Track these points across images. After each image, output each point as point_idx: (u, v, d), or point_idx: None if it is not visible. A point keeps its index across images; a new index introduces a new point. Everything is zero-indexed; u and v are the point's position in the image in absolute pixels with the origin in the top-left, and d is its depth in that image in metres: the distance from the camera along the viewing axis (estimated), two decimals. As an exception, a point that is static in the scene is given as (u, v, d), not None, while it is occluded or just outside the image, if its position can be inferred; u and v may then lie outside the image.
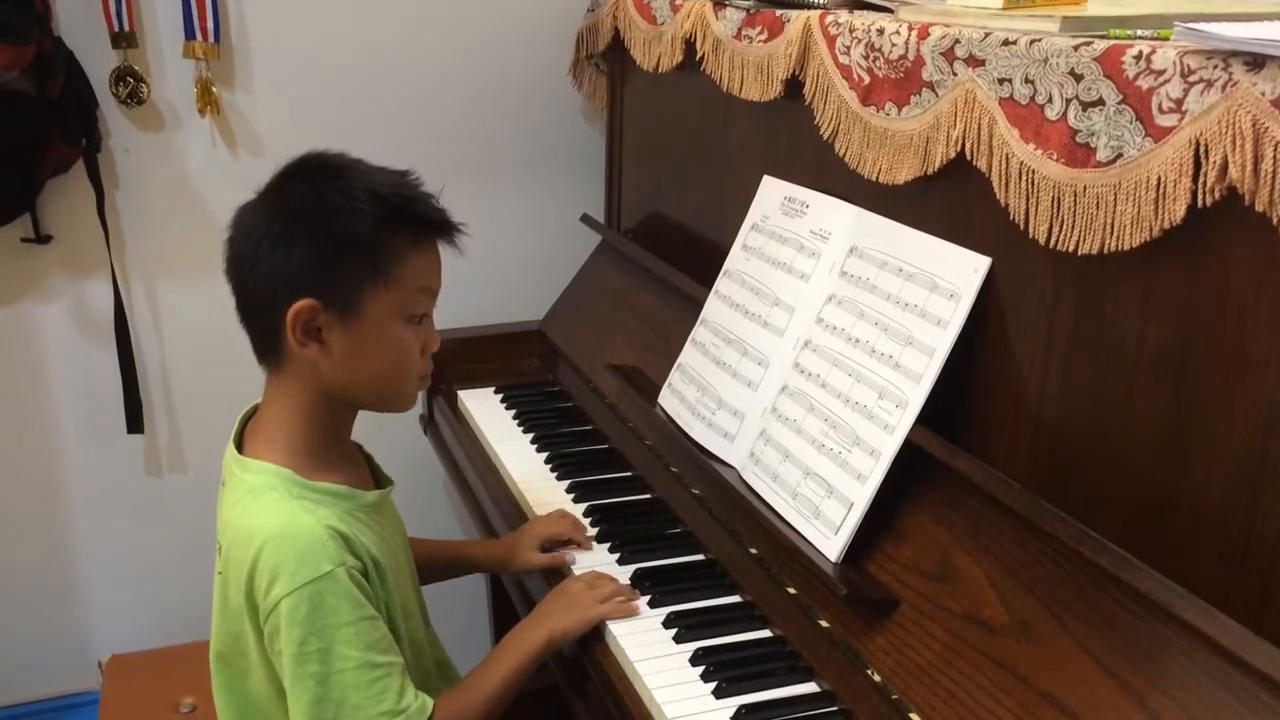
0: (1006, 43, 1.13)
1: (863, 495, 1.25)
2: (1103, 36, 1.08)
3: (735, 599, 1.40)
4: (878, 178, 1.33)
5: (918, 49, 1.25)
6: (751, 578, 1.41)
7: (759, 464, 1.42)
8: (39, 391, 2.09)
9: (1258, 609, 0.95)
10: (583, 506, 1.61)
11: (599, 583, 1.38)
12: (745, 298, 1.56)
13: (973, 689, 1.09)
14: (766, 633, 1.34)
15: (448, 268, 1.27)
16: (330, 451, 1.26)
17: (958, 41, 1.19)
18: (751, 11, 1.59)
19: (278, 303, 1.18)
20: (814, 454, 1.33)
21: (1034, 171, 1.10)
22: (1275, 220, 0.88)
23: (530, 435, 1.86)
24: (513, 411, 1.95)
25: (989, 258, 1.20)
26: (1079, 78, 1.04)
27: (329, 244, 1.17)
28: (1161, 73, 0.96)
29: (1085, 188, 1.04)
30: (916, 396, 1.23)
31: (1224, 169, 0.91)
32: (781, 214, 1.54)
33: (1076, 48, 1.05)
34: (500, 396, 2.02)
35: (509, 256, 2.26)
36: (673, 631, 1.33)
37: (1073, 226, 1.06)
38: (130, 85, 1.98)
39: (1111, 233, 1.02)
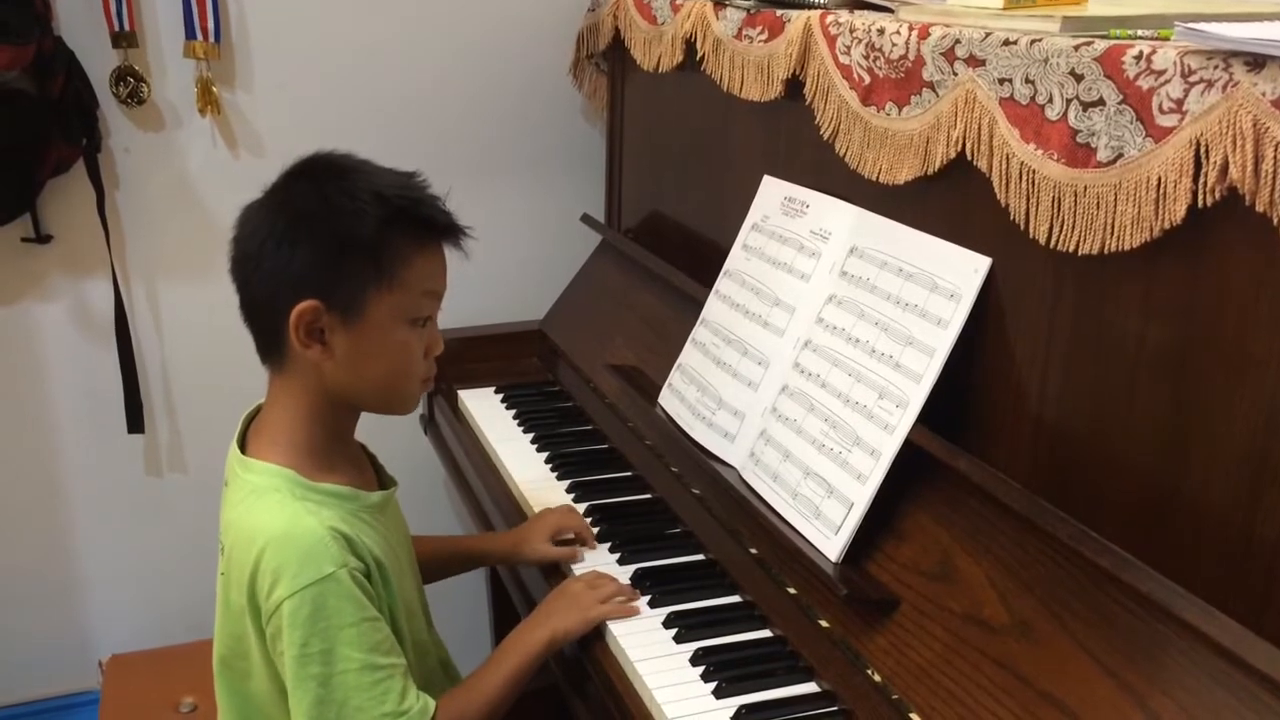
0: (1007, 43, 1.13)
1: (863, 495, 1.25)
2: (1103, 36, 1.08)
3: (735, 599, 1.40)
4: (878, 178, 1.34)
5: (918, 49, 1.25)
6: (751, 578, 1.41)
7: (759, 464, 1.42)
8: (39, 391, 2.09)
9: (1258, 609, 0.95)
10: (583, 506, 1.61)
11: (600, 583, 1.38)
12: (745, 298, 1.56)
13: (973, 689, 1.09)
14: (767, 633, 1.34)
15: (448, 267, 1.26)
16: (333, 452, 1.26)
17: (958, 41, 1.19)
18: (752, 11, 1.59)
19: (281, 303, 1.17)
20: (814, 454, 1.33)
21: (1034, 171, 1.10)
22: (1276, 220, 0.88)
23: (530, 435, 1.86)
24: (513, 411, 1.95)
25: (989, 258, 1.20)
26: (1079, 78, 1.04)
27: (333, 245, 1.17)
28: (1162, 73, 0.96)
29: (1085, 188, 1.04)
30: (917, 396, 1.23)
31: (1224, 169, 0.91)
32: (782, 214, 1.54)
33: (1077, 48, 1.05)
34: (500, 396, 2.02)
35: (509, 256, 2.26)
36: (673, 631, 1.33)
37: (1073, 227, 1.06)
38: (130, 85, 1.98)
39: (1112, 233, 1.02)
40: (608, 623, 1.34)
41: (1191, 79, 0.94)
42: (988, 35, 1.16)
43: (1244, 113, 0.89)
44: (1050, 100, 1.08)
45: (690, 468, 1.59)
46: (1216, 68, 0.91)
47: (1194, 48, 0.94)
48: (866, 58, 1.34)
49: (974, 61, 1.18)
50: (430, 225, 1.22)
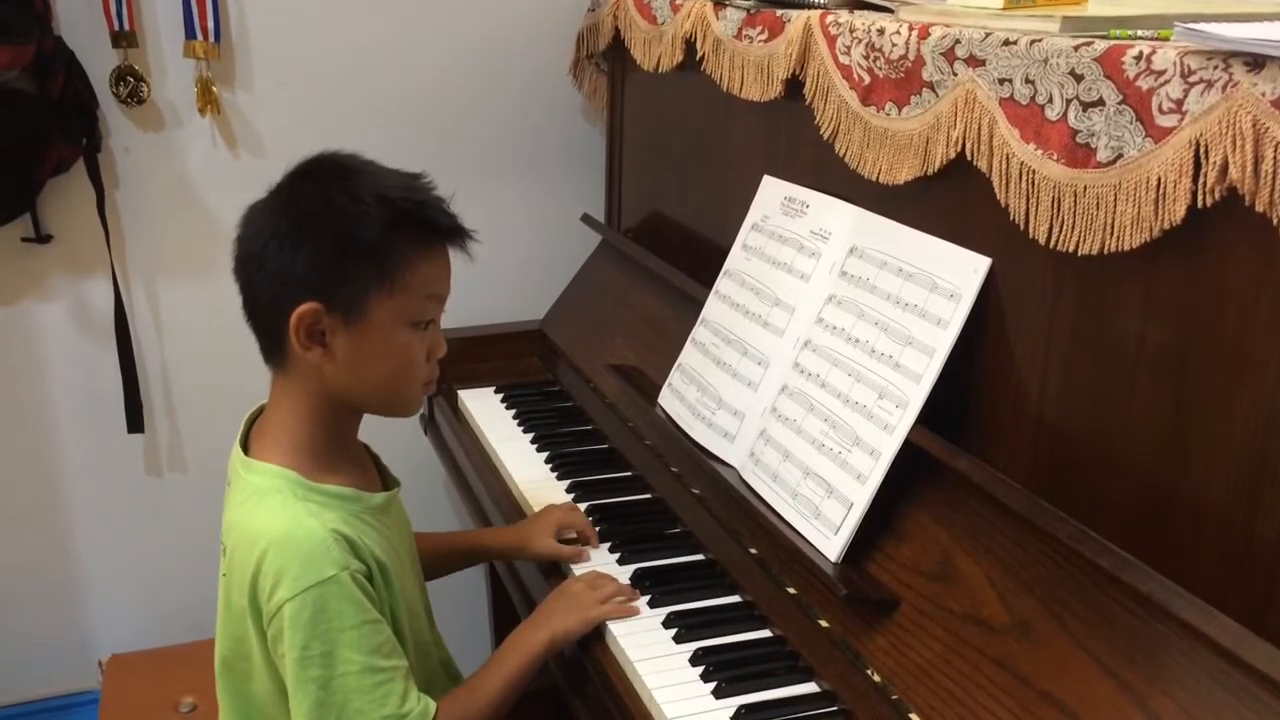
0: (1007, 43, 1.13)
1: (862, 495, 1.25)
2: (1103, 37, 1.08)
3: (735, 599, 1.40)
4: (878, 178, 1.34)
5: (918, 49, 1.25)
6: (751, 578, 1.41)
7: (759, 464, 1.42)
8: (39, 391, 2.09)
9: (1258, 609, 0.95)
10: (583, 506, 1.61)
11: (600, 583, 1.38)
12: (745, 298, 1.56)
13: (973, 689, 1.09)
14: (766, 633, 1.34)
15: (451, 269, 1.26)
16: (336, 453, 1.25)
17: (958, 42, 1.19)
18: (752, 11, 1.59)
19: (282, 304, 1.17)
20: (814, 454, 1.33)
21: (1034, 172, 1.10)
22: (1275, 221, 0.88)
23: (530, 435, 1.86)
24: (513, 411, 1.95)
25: (989, 258, 1.20)
26: (1079, 78, 1.04)
27: (335, 247, 1.16)
28: (1162, 73, 0.96)
29: (1085, 188, 1.04)
30: (916, 396, 1.23)
31: (1224, 169, 0.91)
32: (781, 214, 1.54)
33: (1077, 48, 1.05)
34: (500, 396, 2.02)
35: (509, 256, 2.26)
36: (673, 631, 1.33)
37: (1073, 227, 1.06)
38: (130, 85, 1.98)
39: (1111, 233, 1.02)
40: (607, 623, 1.34)
41: (1191, 79, 0.94)
42: (988, 35, 1.16)
43: (1244, 113, 0.89)
44: (1050, 100, 1.08)
45: (690, 468, 1.59)
46: (1216, 68, 0.91)
47: (1194, 48, 0.94)
48: (866, 58, 1.34)
49: (974, 61, 1.18)
50: (434, 228, 1.21)
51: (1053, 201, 1.08)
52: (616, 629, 1.33)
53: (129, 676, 1.96)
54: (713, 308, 1.63)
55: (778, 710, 1.20)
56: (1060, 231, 1.08)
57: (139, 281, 2.10)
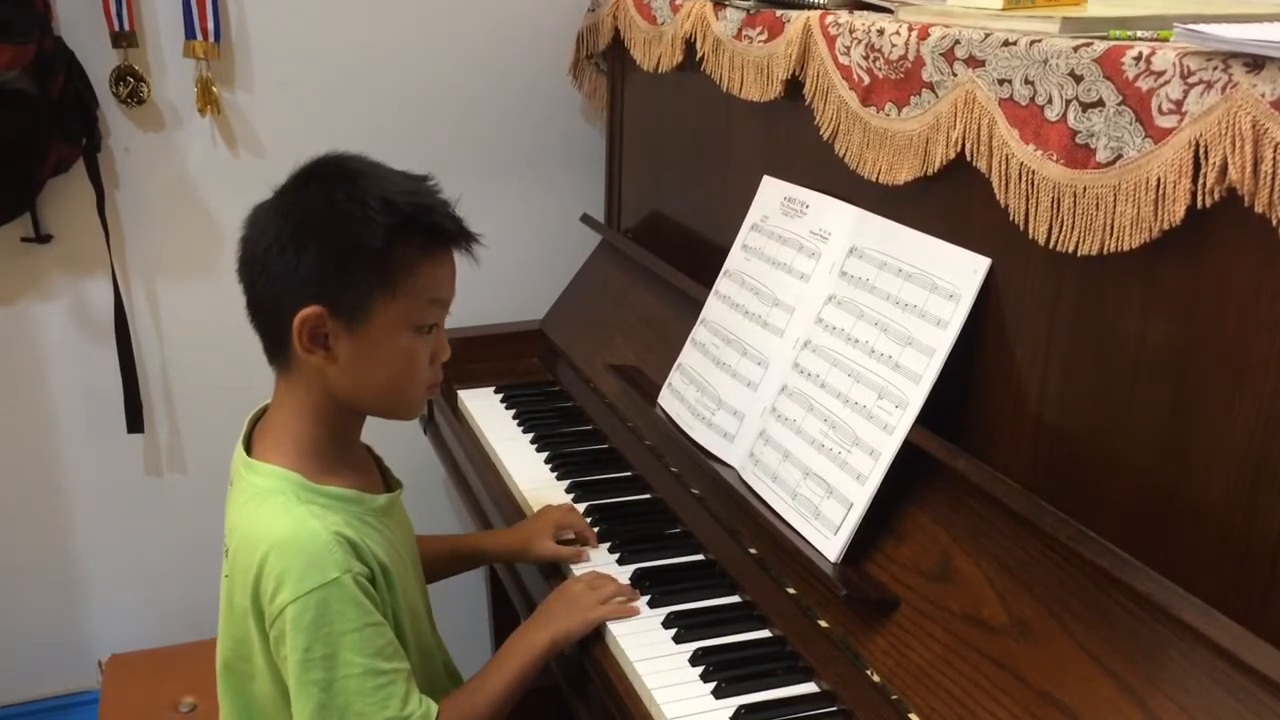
0: (1006, 43, 1.13)
1: (862, 495, 1.25)
2: (1103, 37, 1.08)
3: (735, 599, 1.40)
4: (878, 178, 1.34)
5: (918, 49, 1.25)
6: (751, 578, 1.41)
7: (759, 464, 1.42)
8: (39, 391, 2.09)
9: (1258, 610, 0.95)
10: (583, 506, 1.61)
11: (600, 583, 1.38)
12: (745, 298, 1.56)
13: (972, 689, 1.09)
14: (766, 633, 1.34)
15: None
16: (338, 455, 1.25)
17: (958, 42, 1.19)
18: (751, 12, 1.59)
19: (285, 307, 1.17)
20: (813, 454, 1.34)
21: (1034, 172, 1.10)
22: (1275, 221, 0.88)
23: (530, 435, 1.86)
24: (513, 411, 1.95)
25: (989, 258, 1.20)
26: (1079, 79, 1.04)
27: (339, 252, 1.16)
28: (1161, 74, 0.96)
29: (1085, 188, 1.04)
30: (916, 397, 1.23)
31: (1223, 170, 0.91)
32: (781, 214, 1.55)
33: (1076, 49, 1.05)
34: (500, 396, 2.02)
35: (509, 256, 2.25)
36: (672, 631, 1.33)
37: (1072, 227, 1.06)
38: (130, 85, 1.98)
39: (1111, 233, 1.02)
40: (607, 623, 1.34)
41: (1191, 80, 0.94)
42: (987, 36, 1.16)
43: (1243, 114, 0.89)
44: (1050, 101, 1.08)
45: (690, 468, 1.59)
46: (1216, 69, 0.92)
47: (1193, 49, 0.94)
48: (866, 58, 1.34)
49: (973, 62, 1.18)
50: (439, 233, 1.21)
51: (1052, 202, 1.08)
52: (616, 629, 1.33)
53: (129, 676, 1.96)
54: (712, 308, 1.63)
55: (777, 710, 1.20)
56: (1060, 232, 1.08)
57: (139, 281, 2.10)
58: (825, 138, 1.43)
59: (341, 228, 1.16)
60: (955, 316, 1.21)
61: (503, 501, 1.69)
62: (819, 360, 1.38)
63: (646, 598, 1.39)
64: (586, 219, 2.22)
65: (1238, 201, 0.91)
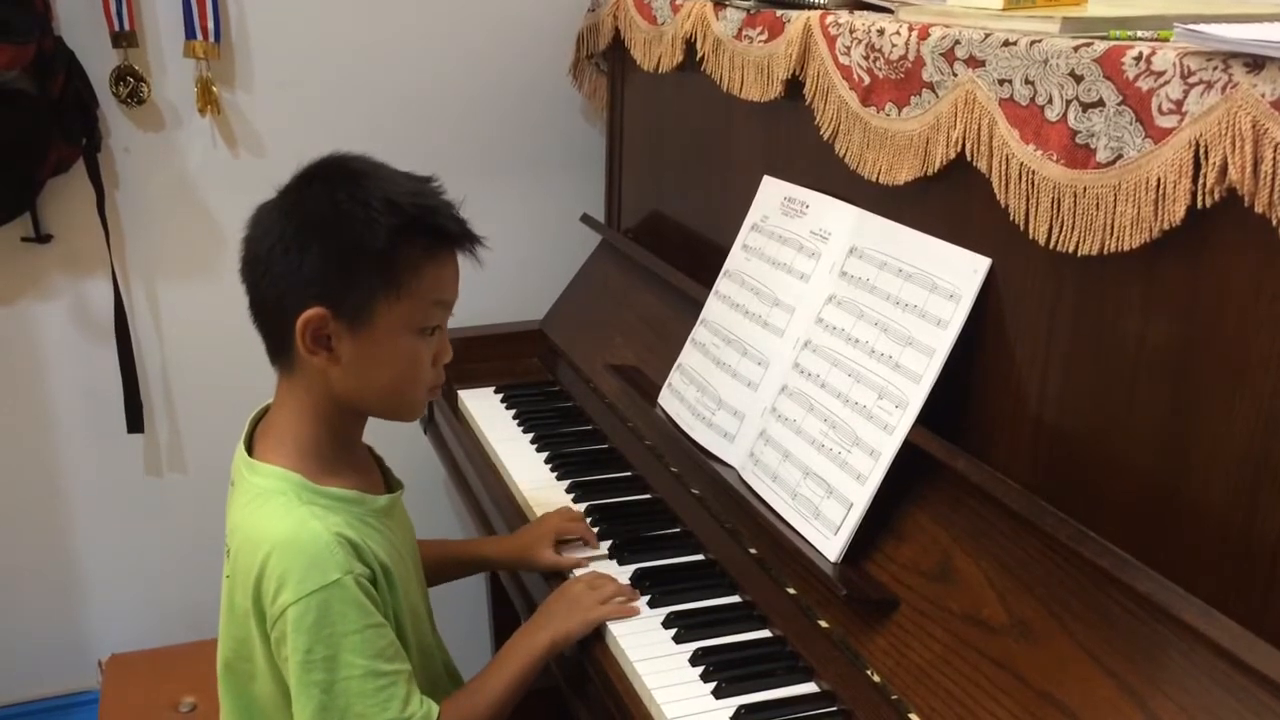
0: (1007, 44, 1.13)
1: (862, 495, 1.25)
2: (1103, 37, 1.08)
3: (735, 599, 1.40)
4: (878, 178, 1.34)
5: (918, 50, 1.25)
6: (751, 578, 1.41)
7: (759, 464, 1.42)
8: (39, 391, 2.09)
9: (1258, 610, 0.95)
10: (583, 506, 1.61)
11: (600, 583, 1.38)
12: (745, 298, 1.56)
13: (972, 689, 1.09)
14: (766, 633, 1.34)
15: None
16: (340, 456, 1.25)
17: (958, 42, 1.19)
18: (752, 12, 1.59)
19: (288, 308, 1.16)
20: (814, 454, 1.34)
21: (1034, 172, 1.10)
22: (1275, 221, 0.88)
23: (530, 435, 1.86)
24: (513, 411, 1.95)
25: (989, 258, 1.20)
26: (1079, 79, 1.04)
27: (343, 253, 1.15)
28: (1161, 74, 0.96)
29: (1085, 188, 1.04)
30: (916, 397, 1.23)
31: (1224, 170, 0.91)
32: (781, 214, 1.55)
33: (1076, 49, 1.05)
34: (500, 396, 2.02)
35: (509, 256, 2.24)
36: (672, 631, 1.33)
37: (1072, 227, 1.06)
38: (130, 85, 1.98)
39: (1111, 233, 1.02)
40: (607, 623, 1.34)
41: (1191, 80, 0.94)
42: (987, 36, 1.16)
43: (1243, 114, 0.89)
44: (1050, 101, 1.08)
45: (690, 468, 1.59)
46: (1216, 69, 0.92)
47: (1193, 49, 0.94)
48: (866, 58, 1.34)
49: (974, 62, 1.18)
50: (443, 235, 1.21)
51: (1052, 202, 1.08)
52: (616, 629, 1.33)
53: (129, 676, 1.96)
54: (712, 308, 1.63)
55: (777, 710, 1.20)
56: (1060, 232, 1.08)
57: (139, 281, 2.10)
58: (825, 138, 1.43)
59: (345, 229, 1.16)
60: (955, 316, 1.21)
61: (503, 502, 1.69)
62: (819, 360, 1.38)
63: (646, 598, 1.39)
64: (586, 219, 2.22)
65: (1238, 201, 0.91)
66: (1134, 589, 0.99)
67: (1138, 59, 0.99)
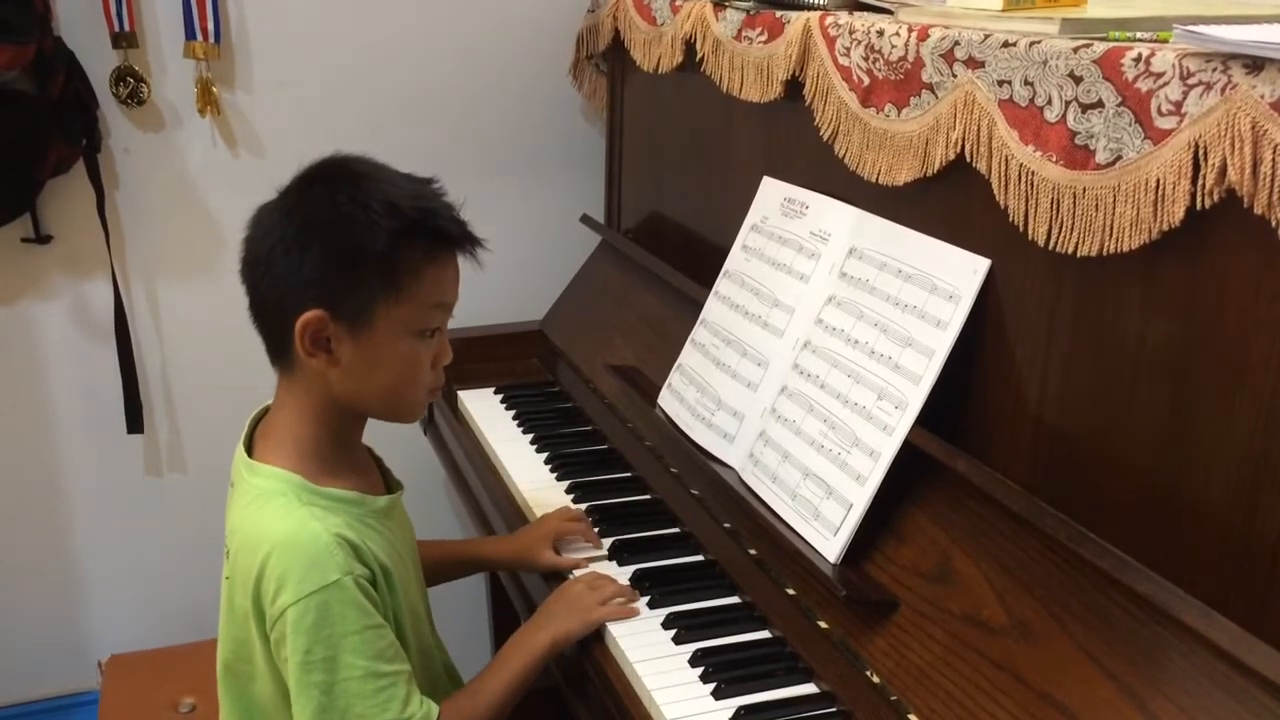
0: (1006, 45, 1.13)
1: (862, 496, 1.25)
2: (1102, 39, 1.08)
3: (734, 600, 1.40)
4: (877, 179, 1.34)
5: (917, 50, 1.25)
6: (751, 578, 1.41)
7: (758, 465, 1.42)
8: (39, 391, 2.09)
9: (1258, 611, 0.95)
10: (583, 507, 1.61)
11: (600, 584, 1.38)
12: (745, 298, 1.56)
13: (972, 690, 1.09)
14: (766, 634, 1.34)
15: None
16: (339, 457, 1.25)
17: (957, 43, 1.20)
18: (751, 12, 1.59)
19: (288, 310, 1.16)
20: (813, 455, 1.34)
21: (1033, 173, 1.10)
22: (1274, 222, 0.88)
23: (530, 436, 1.86)
24: (513, 412, 1.95)
25: (988, 259, 1.20)
26: (1078, 80, 1.04)
27: (342, 256, 1.15)
28: (1161, 75, 0.96)
29: (1084, 189, 1.04)
30: (916, 398, 1.23)
31: (1223, 171, 0.91)
32: (781, 215, 1.55)
33: (1076, 50, 1.05)
34: (500, 397, 2.02)
35: (509, 256, 2.24)
36: (672, 632, 1.33)
37: (1072, 228, 1.06)
38: (130, 85, 1.98)
39: (1111, 234, 1.02)
40: (607, 624, 1.34)
41: (1190, 81, 0.94)
42: (987, 37, 1.16)
43: (1242, 115, 0.89)
44: (1049, 102, 1.08)
45: (690, 469, 1.59)
46: (1215, 70, 0.92)
47: (1193, 50, 0.94)
48: (866, 59, 1.34)
49: (973, 63, 1.18)
50: (443, 237, 1.20)
51: (1052, 203, 1.08)
52: (616, 630, 1.33)
53: (128, 677, 1.96)
54: (712, 308, 1.63)
55: (777, 711, 1.20)
56: (1059, 233, 1.08)
57: (139, 281, 2.10)
58: (825, 138, 1.43)
59: (345, 231, 1.15)
60: (955, 317, 1.21)
61: (503, 502, 1.69)
62: (819, 361, 1.38)
63: (646, 598, 1.39)
64: (586, 219, 2.22)
65: (1237, 203, 0.91)
66: (1134, 590, 0.99)
67: (1137, 60, 0.99)
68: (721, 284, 1.63)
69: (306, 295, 1.16)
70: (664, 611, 1.37)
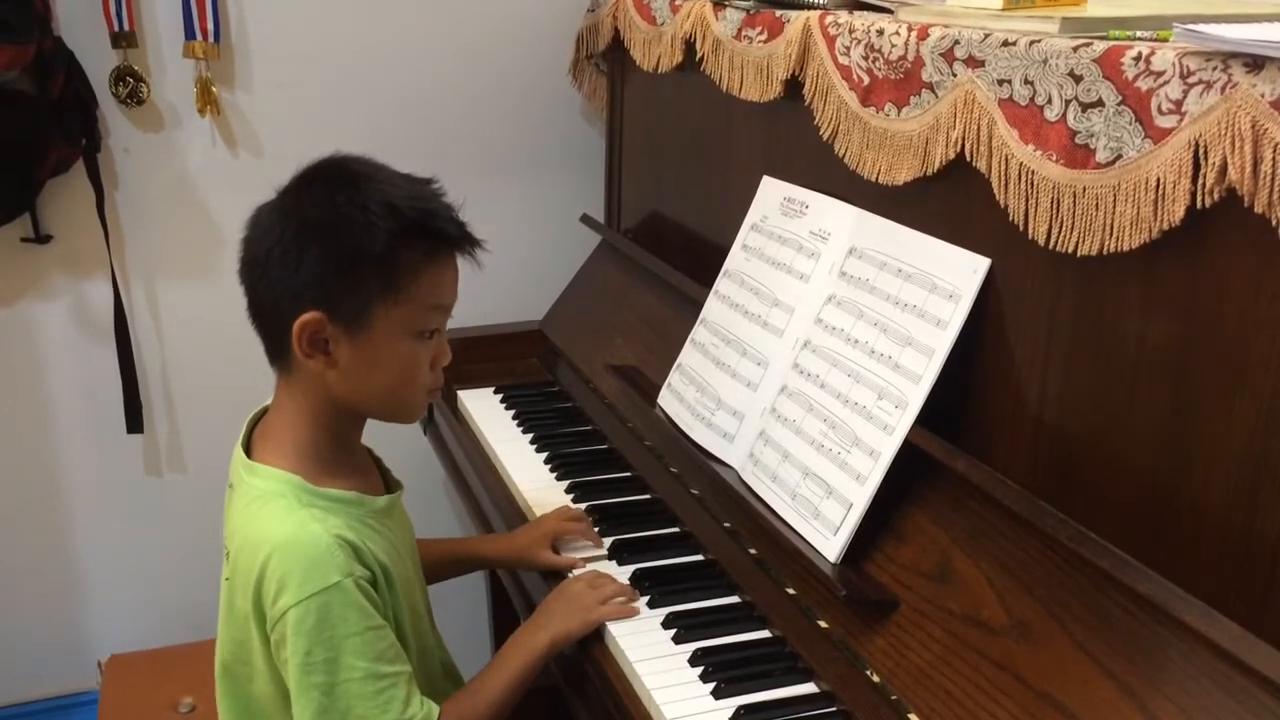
0: (1006, 44, 1.13)
1: (862, 496, 1.25)
2: (1102, 38, 1.08)
3: (734, 599, 1.40)
4: (877, 178, 1.33)
5: (917, 50, 1.25)
6: (751, 578, 1.41)
7: (758, 464, 1.42)
8: (39, 391, 2.09)
9: (1258, 610, 0.95)
10: (583, 506, 1.61)
11: (600, 583, 1.38)
12: (745, 298, 1.56)
13: (972, 690, 1.09)
14: (765, 633, 1.34)
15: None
16: (339, 457, 1.25)
17: (957, 42, 1.19)
18: (751, 12, 1.59)
19: (285, 310, 1.16)
20: (813, 454, 1.33)
21: (1033, 172, 1.10)
22: (1274, 221, 0.88)
23: (530, 435, 1.86)
24: (512, 412, 1.95)
25: (988, 258, 1.20)
26: (1078, 79, 1.04)
27: (341, 257, 1.15)
28: (1161, 74, 0.96)
29: (1084, 189, 1.04)
30: (916, 397, 1.23)
31: (1223, 170, 0.91)
32: (781, 214, 1.54)
33: (1076, 49, 1.05)
34: (500, 397, 2.02)
35: (509, 256, 2.24)
36: (672, 632, 1.33)
37: (1072, 227, 1.06)
38: (130, 85, 1.98)
39: (1111, 234, 1.02)
40: (607, 623, 1.34)
41: (1190, 80, 0.94)
42: (987, 36, 1.16)
43: (1243, 114, 0.89)
44: (1049, 101, 1.08)
45: (689, 468, 1.59)
46: (1215, 69, 0.91)
47: (1193, 49, 0.94)
48: (866, 58, 1.34)
49: (973, 62, 1.18)
50: (442, 238, 1.20)
51: (1052, 202, 1.08)
52: (616, 629, 1.33)
53: (128, 677, 1.96)
54: (712, 308, 1.63)
55: (777, 711, 1.20)
56: (1059, 232, 1.08)
57: (139, 281, 2.10)
58: (825, 138, 1.43)
59: (343, 232, 1.15)
60: (955, 317, 1.21)
61: (503, 502, 1.69)
62: (819, 360, 1.38)
63: (646, 598, 1.39)
64: (586, 219, 2.22)
65: (1237, 202, 0.90)
66: (1134, 590, 0.99)
67: (1137, 59, 0.99)
68: (721, 283, 1.63)
69: (304, 296, 1.15)
70: (664, 611, 1.37)
